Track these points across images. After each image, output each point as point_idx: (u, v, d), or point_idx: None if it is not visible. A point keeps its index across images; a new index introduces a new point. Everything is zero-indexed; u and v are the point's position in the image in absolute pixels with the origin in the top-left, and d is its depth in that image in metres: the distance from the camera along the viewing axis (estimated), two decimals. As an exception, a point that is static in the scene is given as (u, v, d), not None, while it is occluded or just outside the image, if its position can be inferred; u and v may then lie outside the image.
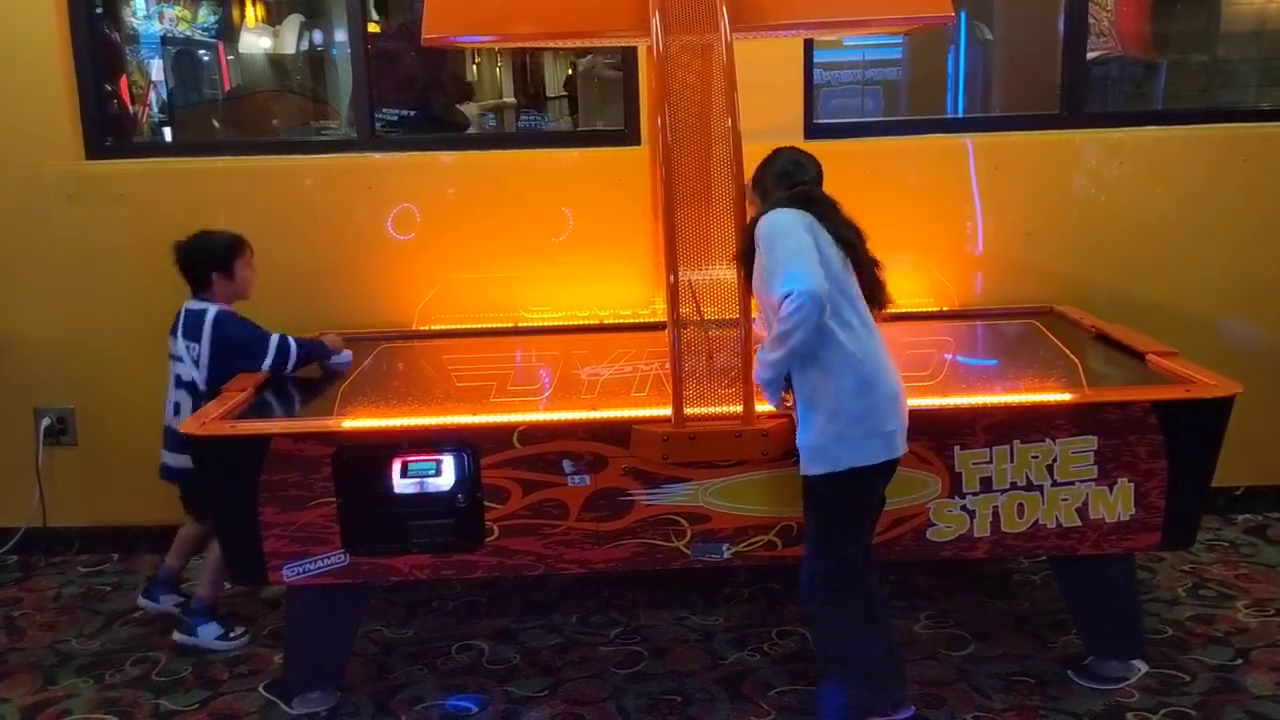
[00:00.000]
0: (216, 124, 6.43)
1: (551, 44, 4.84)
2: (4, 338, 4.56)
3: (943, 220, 4.51)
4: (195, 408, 3.77)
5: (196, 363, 3.81)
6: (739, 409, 3.07)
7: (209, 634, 3.92)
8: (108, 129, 4.61)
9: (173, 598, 4.08)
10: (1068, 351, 3.52)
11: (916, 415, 3.19)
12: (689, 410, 3.08)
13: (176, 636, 3.94)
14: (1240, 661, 3.54)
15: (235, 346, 3.80)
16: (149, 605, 4.10)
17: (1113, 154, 4.40)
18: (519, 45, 5.84)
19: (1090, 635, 3.50)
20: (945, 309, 4.45)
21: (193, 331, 3.82)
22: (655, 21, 3.03)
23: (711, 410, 3.09)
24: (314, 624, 3.41)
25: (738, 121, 3.00)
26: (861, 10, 3.40)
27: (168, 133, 6.11)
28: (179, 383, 3.86)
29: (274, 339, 3.78)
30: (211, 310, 3.82)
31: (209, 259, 3.85)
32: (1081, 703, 3.34)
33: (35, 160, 4.42)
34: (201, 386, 3.81)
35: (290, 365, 3.80)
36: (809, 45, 4.47)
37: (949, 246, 4.52)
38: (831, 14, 3.38)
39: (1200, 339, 4.11)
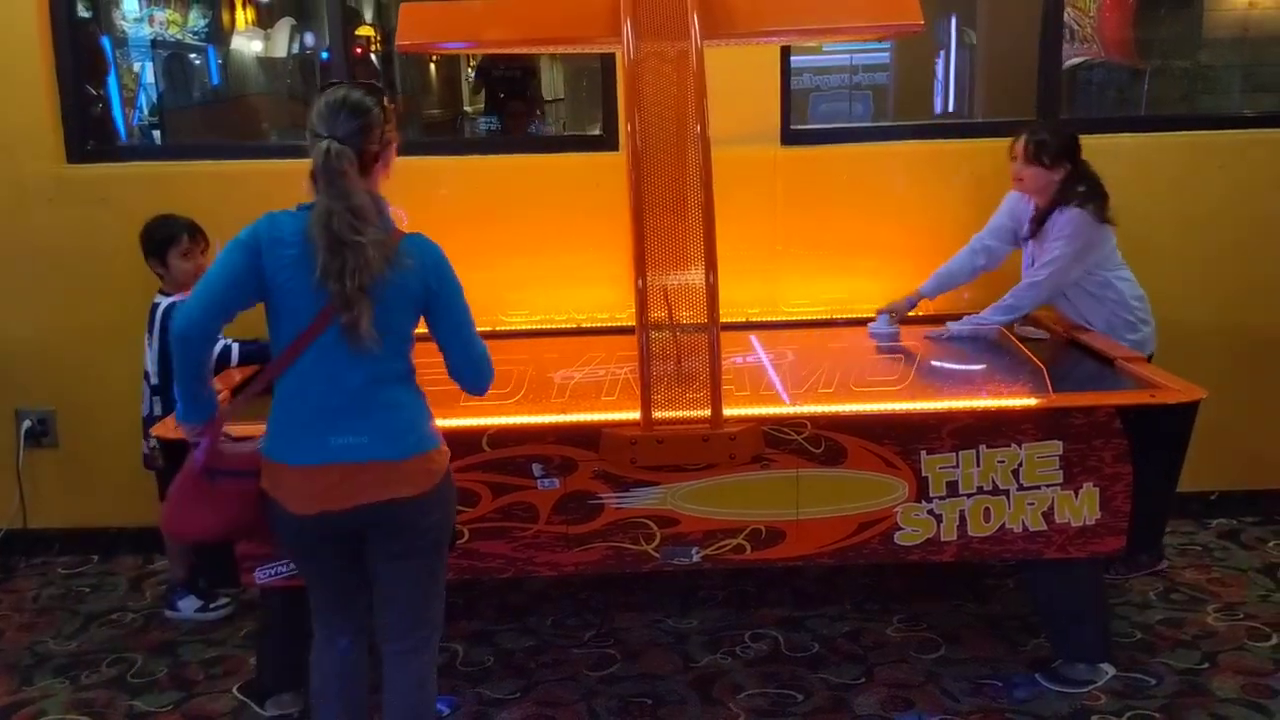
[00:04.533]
0: (204, 127, 6.47)
1: (524, 50, 4.87)
2: (-15, 340, 4.59)
3: (918, 225, 4.53)
4: (149, 398, 4.00)
5: (152, 354, 3.98)
6: (707, 413, 3.10)
7: (188, 607, 4.12)
8: (89, 132, 4.63)
9: (192, 601, 4.15)
10: (1033, 357, 3.55)
11: (884, 420, 3.23)
12: (657, 414, 3.11)
13: (167, 613, 4.14)
14: (1207, 665, 3.56)
15: None
16: (174, 616, 4.15)
17: (1088, 159, 4.41)
18: (492, 51, 5.88)
19: (1057, 639, 3.53)
20: (921, 314, 4.47)
21: (150, 324, 3.99)
22: (626, 28, 3.06)
23: (680, 414, 3.12)
24: (286, 626, 3.42)
25: (706, 128, 3.02)
26: (832, 18, 3.41)
27: (157, 135, 6.15)
28: (144, 372, 4.03)
29: (214, 353, 3.80)
30: (162, 305, 3.96)
31: (145, 246, 4.00)
32: (1048, 706, 3.36)
33: (15, 163, 4.44)
34: (153, 379, 3.98)
35: (233, 366, 3.85)
36: (786, 52, 4.49)
37: (926, 251, 4.53)
38: (802, 21, 3.39)
39: (1175, 343, 4.13)
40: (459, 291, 2.61)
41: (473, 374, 2.67)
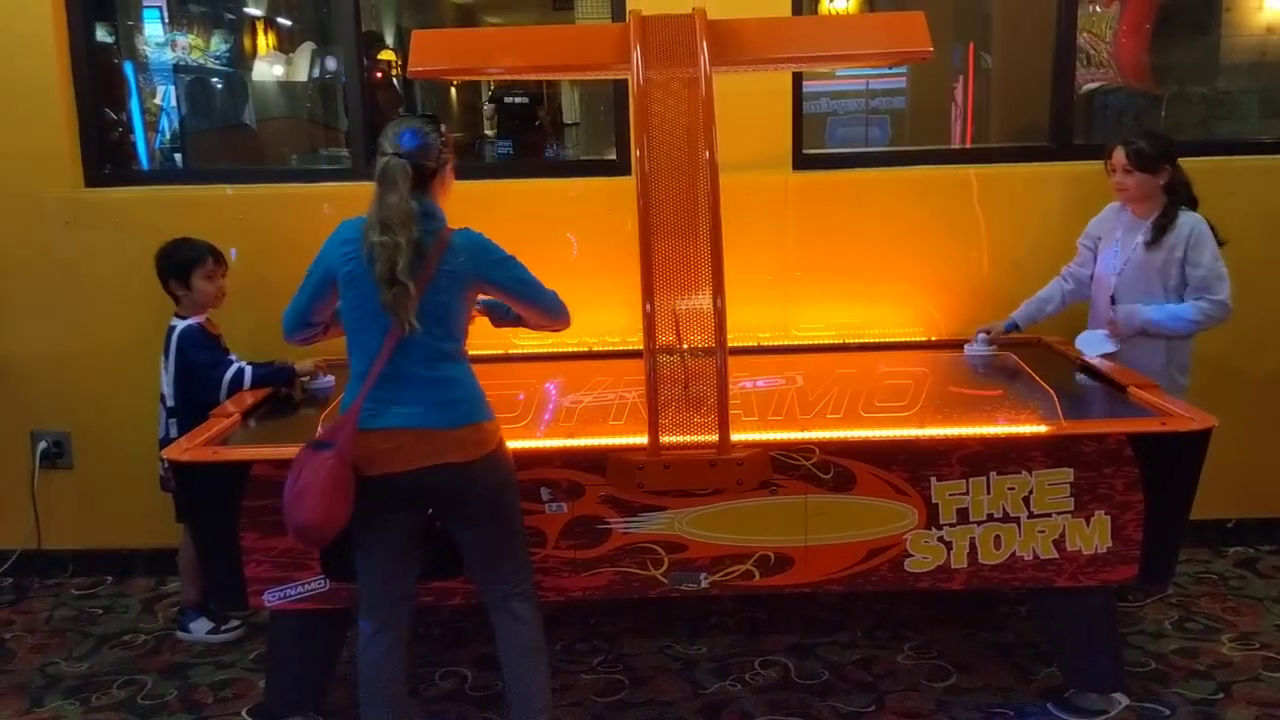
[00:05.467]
0: (226, 151, 6.51)
1: (536, 77, 4.90)
2: (1, 362, 4.62)
3: (931, 251, 4.53)
4: (165, 421, 4.02)
5: (168, 377, 4.02)
6: (714, 438, 3.09)
7: (200, 629, 4.15)
8: (107, 157, 4.68)
9: (204, 623, 4.18)
10: (1044, 384, 3.53)
11: (893, 446, 3.22)
12: (665, 438, 3.10)
13: (178, 635, 4.17)
14: (1221, 695, 3.52)
15: (193, 372, 3.97)
16: (185, 638, 4.18)
17: (1100, 186, 4.39)
18: (504, 78, 5.94)
19: (1069, 667, 3.49)
20: (933, 339, 4.47)
21: (166, 347, 4.03)
22: (636, 56, 3.07)
23: (687, 439, 3.12)
24: (295, 649, 3.43)
25: (715, 154, 3.02)
26: (841, 45, 3.42)
27: (179, 159, 6.19)
28: (160, 395, 4.06)
29: (227, 376, 3.91)
30: (178, 328, 4.00)
31: (167, 269, 4.04)
32: (1060, 736, 3.35)
33: (34, 187, 4.49)
34: (169, 401, 4.01)
35: (246, 388, 3.93)
36: (798, 77, 4.51)
37: (937, 277, 4.54)
38: (811, 48, 3.40)
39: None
40: (509, 261, 3.01)
41: (550, 318, 3.13)
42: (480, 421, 2.93)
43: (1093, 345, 4.04)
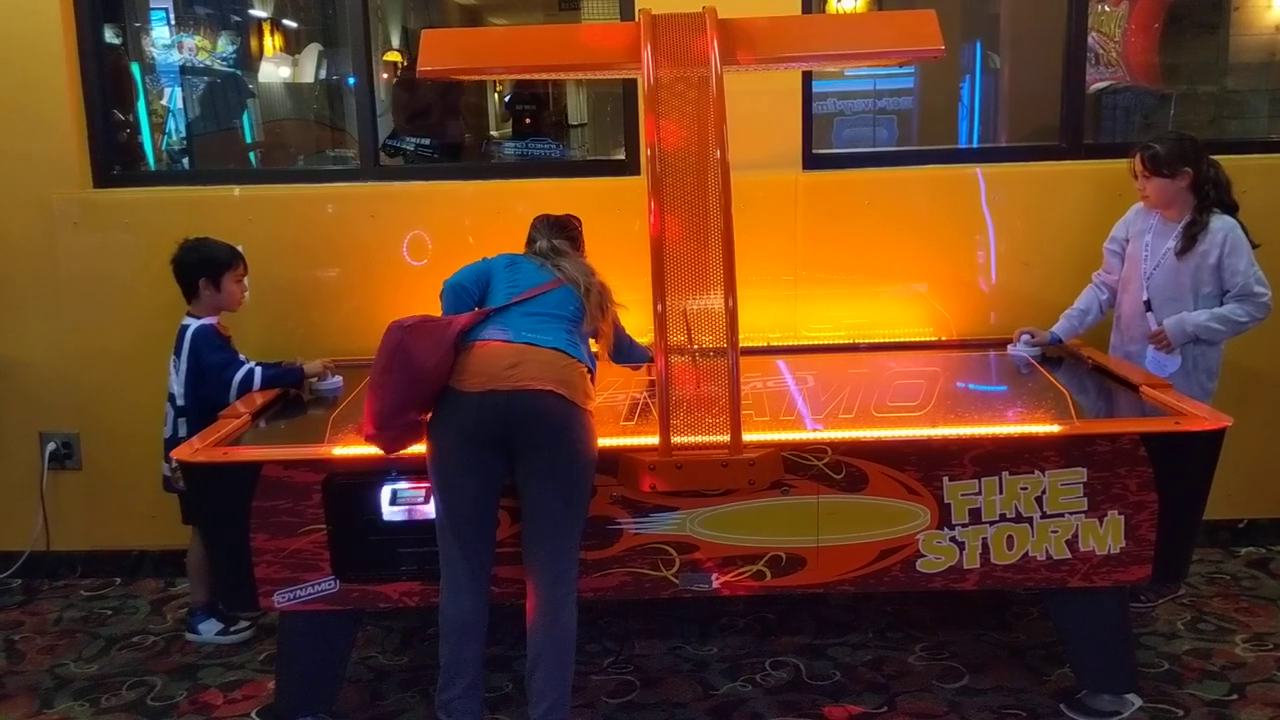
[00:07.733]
0: (233, 152, 6.52)
1: (546, 76, 4.90)
2: (10, 363, 4.62)
3: (941, 250, 4.52)
4: (174, 420, 4.00)
5: (178, 376, 3.99)
6: (726, 438, 3.08)
7: (209, 630, 4.14)
8: (114, 158, 4.68)
9: (213, 624, 4.17)
10: (1057, 383, 3.51)
11: (905, 446, 3.21)
12: (676, 439, 3.09)
13: (187, 636, 4.16)
14: (1235, 697, 3.50)
15: (205, 373, 3.95)
16: (194, 639, 4.17)
17: (1110, 185, 4.39)
18: (514, 77, 5.94)
19: (1082, 668, 3.47)
20: (944, 339, 4.45)
21: (178, 347, 4.00)
22: (646, 54, 3.06)
23: (699, 439, 3.10)
24: (305, 650, 3.42)
25: (726, 153, 3.01)
26: (852, 44, 3.41)
27: (185, 161, 6.20)
28: (169, 394, 4.03)
29: (237, 377, 3.91)
30: (192, 327, 3.99)
31: (200, 266, 4.01)
32: (1073, 737, 3.33)
33: (42, 188, 4.50)
34: (179, 401, 3.99)
35: (255, 389, 3.93)
36: (808, 77, 4.50)
37: (947, 277, 4.53)
38: (822, 47, 3.39)
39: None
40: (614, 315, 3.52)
41: (625, 358, 3.73)
42: (589, 373, 3.21)
43: (1160, 366, 3.93)
